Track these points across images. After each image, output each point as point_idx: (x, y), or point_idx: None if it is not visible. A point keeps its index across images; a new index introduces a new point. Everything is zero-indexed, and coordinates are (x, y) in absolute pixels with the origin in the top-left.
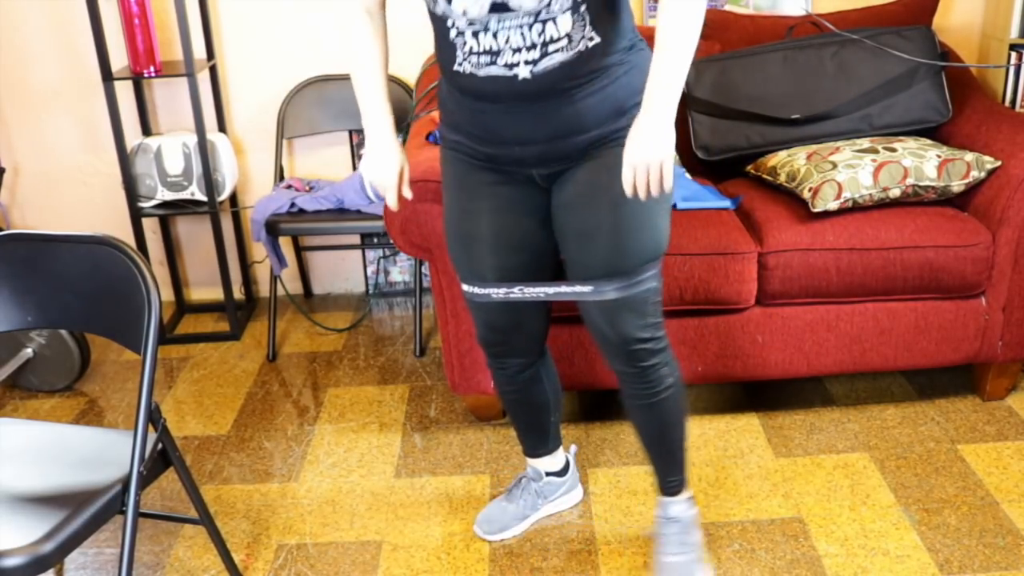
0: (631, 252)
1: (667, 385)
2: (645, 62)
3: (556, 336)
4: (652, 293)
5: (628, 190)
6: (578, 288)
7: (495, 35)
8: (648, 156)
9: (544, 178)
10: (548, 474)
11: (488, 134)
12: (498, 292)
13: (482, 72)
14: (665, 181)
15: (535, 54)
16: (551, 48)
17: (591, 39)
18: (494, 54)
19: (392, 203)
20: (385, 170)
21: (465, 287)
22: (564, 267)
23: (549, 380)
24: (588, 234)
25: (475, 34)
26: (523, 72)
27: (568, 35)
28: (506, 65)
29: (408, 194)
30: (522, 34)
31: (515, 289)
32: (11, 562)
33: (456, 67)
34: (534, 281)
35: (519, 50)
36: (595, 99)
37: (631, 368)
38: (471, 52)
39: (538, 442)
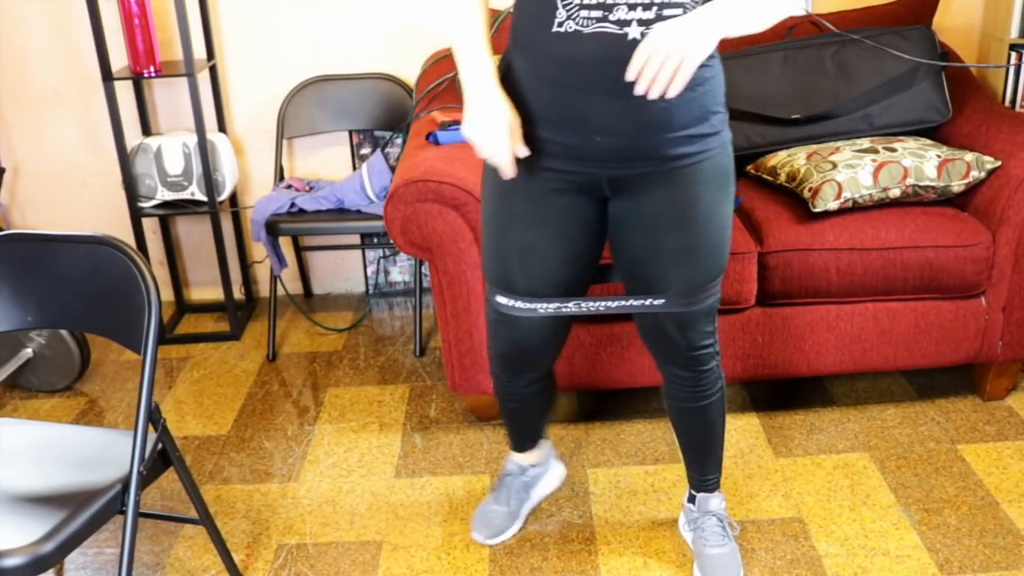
0: (709, 268)
1: (720, 387)
2: (721, 71)
3: None
4: (718, 301)
5: (632, 72)
6: (650, 301)
7: None
8: (673, 43)
9: (612, 184)
10: (532, 466)
11: (570, 120)
12: (547, 307)
13: (590, 30)
14: (676, 82)
15: (650, 14)
16: (665, 13)
17: None
18: (607, 8)
19: (507, 166)
20: (494, 126)
21: (503, 300)
22: (609, 275)
23: (551, 388)
24: (668, 254)
25: None
26: (634, 32)
27: (682, 4)
28: (617, 22)
29: (522, 152)
30: None
31: (569, 304)
32: (11, 562)
33: (556, 28)
34: (577, 293)
35: (635, 7)
36: (686, 97)
37: (691, 372)
38: (580, 6)
39: (528, 440)
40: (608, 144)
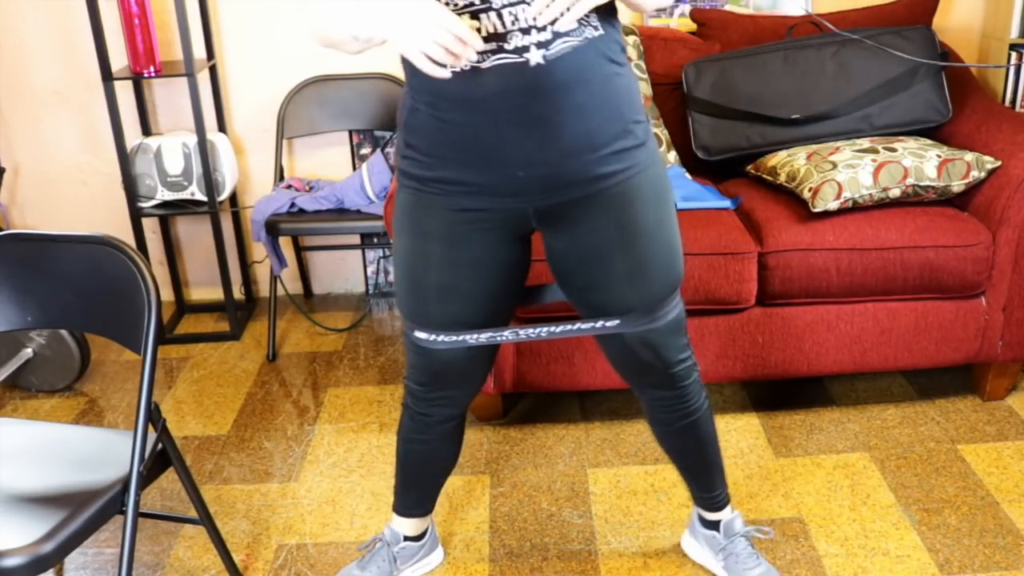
0: (664, 285)
1: (703, 398)
2: (633, 76)
3: None
4: (682, 313)
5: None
6: (601, 323)
7: (500, 14)
8: None
9: (540, 216)
10: (406, 538)
11: (487, 159)
12: (477, 337)
13: (488, 64)
14: (572, 12)
15: (547, 35)
16: (562, 30)
17: (596, 28)
18: (500, 38)
19: (471, 36)
20: (432, 10)
21: (423, 335)
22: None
23: (459, 441)
24: (618, 279)
25: (475, 16)
26: (535, 57)
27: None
28: (515, 50)
29: (471, 22)
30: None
31: (505, 332)
32: (11, 562)
33: (451, 68)
34: (499, 324)
35: (528, 31)
36: (604, 113)
37: (672, 391)
38: None
39: (418, 502)
40: (532, 176)
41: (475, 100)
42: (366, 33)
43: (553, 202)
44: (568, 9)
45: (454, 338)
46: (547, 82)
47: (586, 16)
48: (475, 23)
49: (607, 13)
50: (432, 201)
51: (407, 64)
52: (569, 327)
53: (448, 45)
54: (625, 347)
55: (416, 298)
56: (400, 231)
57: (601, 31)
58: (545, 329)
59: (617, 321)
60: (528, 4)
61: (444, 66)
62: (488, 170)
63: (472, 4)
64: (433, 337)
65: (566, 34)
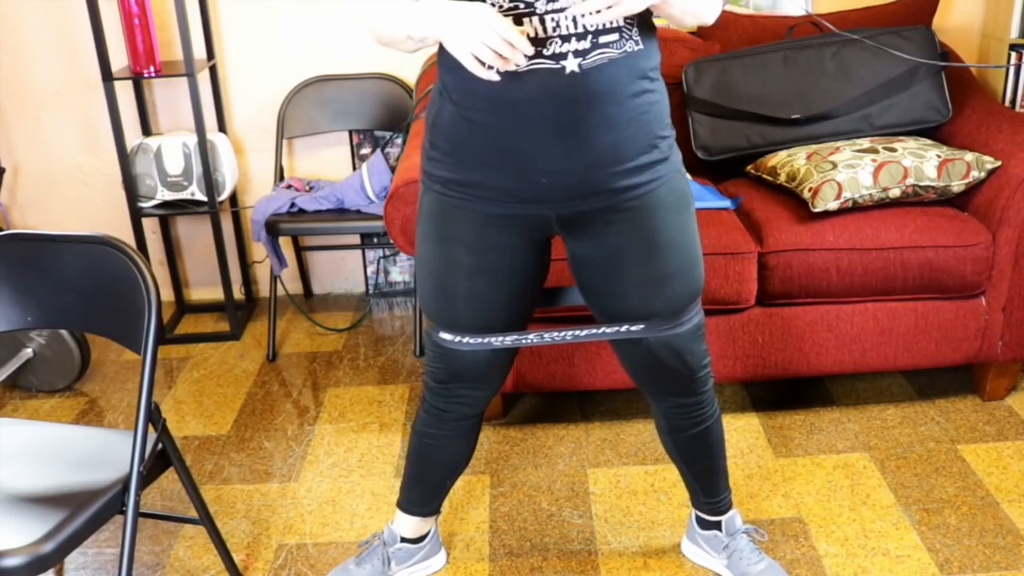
0: (687, 292)
1: (716, 403)
2: (665, 92)
3: None
4: (703, 318)
5: None
6: (626, 328)
7: (542, 20)
8: None
9: (562, 222)
10: (403, 540)
11: (512, 163)
12: (503, 340)
13: (524, 68)
14: (607, 13)
15: (585, 44)
16: (602, 40)
17: (637, 42)
18: (539, 43)
19: (521, 40)
20: (479, 13)
21: (448, 336)
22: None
23: (472, 441)
24: (640, 287)
25: (517, 20)
26: (571, 64)
27: (619, 29)
28: (553, 56)
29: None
30: (574, 19)
31: (530, 336)
32: (11, 562)
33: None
34: (522, 325)
35: (568, 38)
36: (633, 128)
37: (692, 397)
38: None
39: (423, 499)
40: (555, 184)
41: (507, 103)
42: (419, 32)
43: (575, 210)
44: (607, 8)
45: (480, 340)
46: (580, 91)
47: (628, 29)
48: (520, 28)
49: (649, 28)
50: (457, 205)
51: (443, 62)
52: (594, 331)
53: (497, 48)
54: (650, 353)
55: (443, 302)
56: (425, 235)
57: (641, 46)
58: (570, 333)
59: (642, 325)
60: (574, 14)
61: (492, 68)
62: (511, 175)
63: (516, 7)
64: (459, 339)
65: (605, 45)
